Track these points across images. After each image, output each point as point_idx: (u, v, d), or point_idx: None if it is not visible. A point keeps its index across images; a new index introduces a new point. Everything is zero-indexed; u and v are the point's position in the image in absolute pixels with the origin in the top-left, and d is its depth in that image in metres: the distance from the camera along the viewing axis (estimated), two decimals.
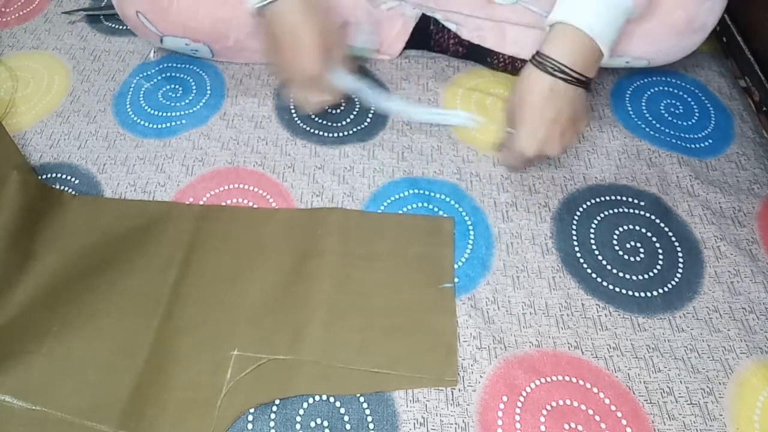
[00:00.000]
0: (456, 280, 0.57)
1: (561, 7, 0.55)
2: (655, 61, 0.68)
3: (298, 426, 0.49)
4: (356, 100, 0.73)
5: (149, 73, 0.76)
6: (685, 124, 0.71)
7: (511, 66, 0.74)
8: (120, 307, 0.55)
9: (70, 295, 0.55)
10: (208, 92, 0.74)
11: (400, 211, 0.62)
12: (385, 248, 0.59)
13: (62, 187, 0.64)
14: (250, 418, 0.49)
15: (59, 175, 0.65)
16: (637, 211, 0.63)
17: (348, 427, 0.49)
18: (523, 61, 0.71)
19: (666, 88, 0.75)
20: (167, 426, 0.49)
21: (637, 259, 0.59)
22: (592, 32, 0.53)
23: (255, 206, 0.63)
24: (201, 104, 0.72)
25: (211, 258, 0.58)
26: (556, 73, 0.54)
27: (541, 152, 0.57)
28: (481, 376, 0.52)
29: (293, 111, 0.72)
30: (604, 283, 0.58)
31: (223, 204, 0.63)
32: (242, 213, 0.62)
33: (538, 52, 0.56)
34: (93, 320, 0.54)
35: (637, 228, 0.61)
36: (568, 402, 0.50)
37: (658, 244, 0.60)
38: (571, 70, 0.54)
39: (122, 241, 0.59)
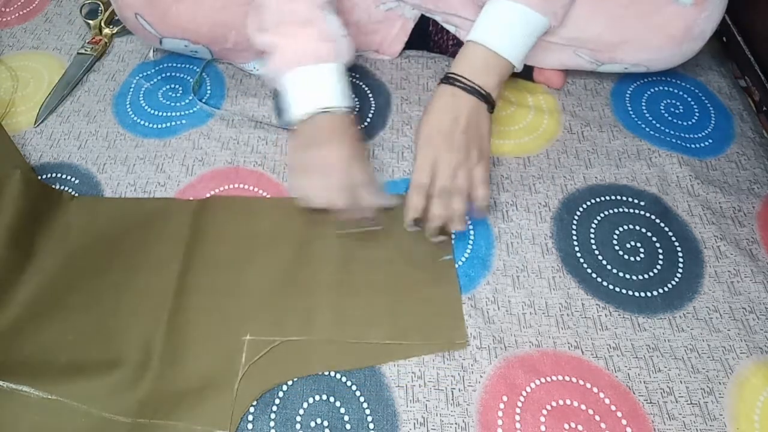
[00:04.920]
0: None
1: (481, 29, 0.58)
2: (653, 68, 0.69)
3: (298, 426, 0.49)
4: (356, 99, 0.73)
5: (149, 73, 0.76)
6: (685, 124, 0.71)
7: None
8: (129, 304, 0.55)
9: (77, 295, 0.55)
10: (208, 92, 0.74)
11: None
12: (382, 227, 0.60)
13: (62, 187, 0.64)
14: (250, 418, 0.49)
15: (59, 175, 0.65)
16: (637, 211, 0.63)
17: (348, 427, 0.49)
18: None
19: (666, 88, 0.75)
20: (185, 413, 0.49)
21: (637, 259, 0.59)
22: (508, 54, 0.57)
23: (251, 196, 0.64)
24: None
25: (214, 248, 0.59)
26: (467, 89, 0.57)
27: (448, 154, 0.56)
28: (481, 376, 0.52)
29: None
30: (604, 283, 0.58)
31: (217, 192, 0.63)
32: (240, 203, 0.62)
33: (454, 74, 0.57)
34: (103, 318, 0.54)
35: (637, 228, 0.61)
36: (568, 402, 0.50)
37: (658, 244, 0.60)
38: (480, 88, 0.57)
39: (124, 239, 0.59)
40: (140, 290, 0.56)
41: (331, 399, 0.50)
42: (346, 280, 0.56)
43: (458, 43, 0.74)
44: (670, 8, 0.61)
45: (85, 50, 0.78)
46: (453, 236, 0.60)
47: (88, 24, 0.82)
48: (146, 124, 0.71)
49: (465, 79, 0.56)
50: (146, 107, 0.72)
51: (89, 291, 0.56)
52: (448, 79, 0.57)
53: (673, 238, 0.61)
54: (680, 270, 0.58)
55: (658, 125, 0.71)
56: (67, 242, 0.59)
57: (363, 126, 0.70)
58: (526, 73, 0.74)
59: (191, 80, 0.75)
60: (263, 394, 0.50)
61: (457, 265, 0.58)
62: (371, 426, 0.49)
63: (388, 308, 0.55)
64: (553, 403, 0.50)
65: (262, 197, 0.63)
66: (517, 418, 0.49)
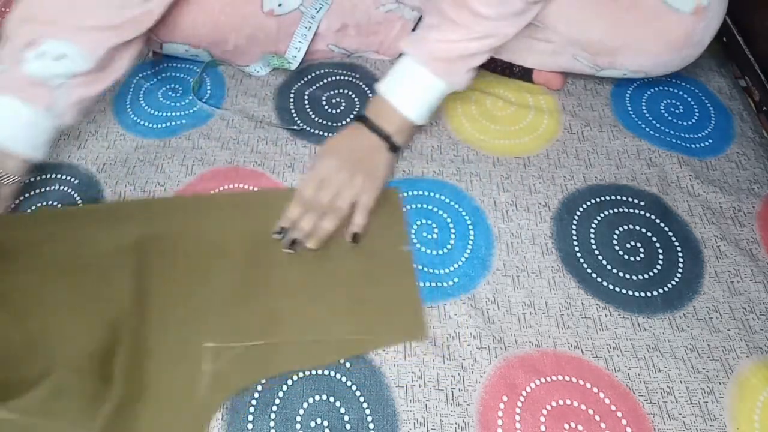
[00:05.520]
0: (456, 279, 0.57)
1: (387, 80, 0.62)
2: (652, 74, 0.69)
3: (298, 426, 0.49)
4: (356, 99, 0.73)
5: (149, 73, 0.76)
6: (685, 124, 0.71)
7: (509, 70, 0.74)
8: (84, 321, 0.53)
9: (28, 314, 0.53)
10: (208, 92, 0.74)
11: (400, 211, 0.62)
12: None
13: (62, 187, 0.64)
14: (250, 418, 0.49)
15: (59, 176, 0.65)
16: (637, 211, 0.63)
17: (348, 427, 0.49)
18: (519, 66, 0.72)
19: (666, 88, 0.75)
20: (151, 425, 0.48)
21: (637, 259, 0.59)
22: (406, 111, 0.61)
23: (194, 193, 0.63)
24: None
25: (165, 258, 0.57)
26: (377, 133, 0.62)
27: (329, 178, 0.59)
28: (481, 376, 0.52)
29: (293, 111, 0.72)
30: (604, 283, 0.58)
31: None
32: (187, 203, 0.62)
33: (365, 117, 0.63)
34: (58, 337, 0.52)
35: (637, 228, 0.61)
36: (568, 402, 0.50)
37: (658, 244, 0.60)
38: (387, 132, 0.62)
39: (72, 254, 0.57)
40: (95, 305, 0.54)
41: (331, 399, 0.50)
42: (305, 280, 0.56)
43: None
44: (670, 16, 0.61)
45: None
46: (410, 247, 0.60)
47: None
48: (146, 124, 0.71)
49: (370, 120, 0.62)
50: (146, 107, 0.72)
51: (42, 311, 0.53)
52: (358, 117, 0.63)
53: (673, 238, 0.61)
54: (680, 270, 0.58)
55: (658, 125, 0.71)
56: (21, 259, 0.56)
57: None
58: (526, 74, 0.74)
59: (191, 80, 0.75)
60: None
61: (457, 265, 0.58)
62: (371, 426, 0.49)
63: (348, 304, 0.55)
64: (553, 403, 0.50)
65: (206, 195, 0.62)
66: (517, 418, 0.49)
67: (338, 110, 0.72)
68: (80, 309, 0.54)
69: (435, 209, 0.63)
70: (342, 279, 0.57)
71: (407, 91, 0.61)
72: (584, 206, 0.63)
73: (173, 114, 0.72)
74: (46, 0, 0.57)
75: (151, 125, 0.70)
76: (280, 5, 0.68)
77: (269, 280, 0.56)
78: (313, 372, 0.52)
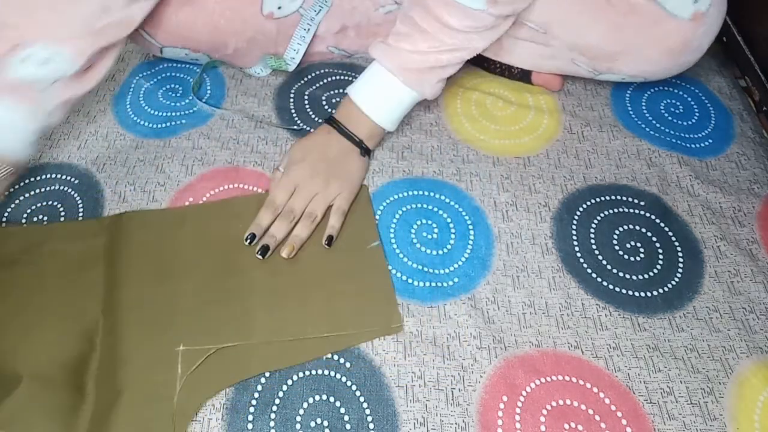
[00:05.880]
0: (456, 279, 0.57)
1: (359, 86, 0.62)
2: (651, 78, 0.69)
3: (298, 426, 0.49)
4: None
5: (149, 73, 0.76)
6: (685, 124, 0.71)
7: (507, 72, 0.74)
8: (55, 332, 0.53)
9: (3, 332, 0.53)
10: (208, 92, 0.74)
11: (399, 212, 0.62)
12: None
13: (62, 187, 0.64)
14: (250, 418, 0.49)
15: (59, 176, 0.65)
16: (637, 211, 0.63)
17: (348, 427, 0.49)
18: (518, 68, 0.72)
19: (666, 88, 0.75)
20: (127, 431, 0.48)
21: (637, 259, 0.59)
22: (377, 119, 0.62)
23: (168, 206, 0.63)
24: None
25: (135, 265, 0.57)
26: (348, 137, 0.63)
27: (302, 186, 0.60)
28: (481, 376, 0.52)
29: (293, 111, 0.72)
30: (604, 283, 0.58)
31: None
32: (154, 215, 0.61)
33: (334, 118, 0.64)
34: (29, 349, 0.52)
35: (637, 228, 0.61)
36: (568, 402, 0.50)
37: (658, 244, 0.60)
38: (356, 136, 0.63)
39: (38, 269, 0.57)
40: (66, 317, 0.54)
41: (331, 399, 0.50)
42: (277, 281, 0.56)
43: None
44: (669, 22, 0.61)
45: None
46: (380, 242, 0.60)
47: None
48: (146, 124, 0.71)
49: (340, 124, 0.63)
50: (146, 107, 0.72)
51: (12, 322, 0.53)
52: (328, 120, 0.64)
53: (673, 238, 0.61)
54: (680, 270, 0.58)
55: (658, 125, 0.71)
56: None
57: None
58: (525, 76, 0.74)
59: (191, 80, 0.75)
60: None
61: (457, 265, 0.58)
62: (371, 426, 0.49)
63: (322, 302, 0.55)
64: (553, 403, 0.50)
65: (177, 208, 0.62)
66: (517, 418, 0.49)
67: None
68: (51, 320, 0.53)
69: (435, 209, 0.63)
70: (315, 277, 0.57)
71: (379, 99, 0.62)
72: (584, 206, 0.63)
73: (173, 114, 0.72)
74: (22, 6, 0.55)
75: (151, 125, 0.70)
76: (279, 8, 0.68)
77: (242, 282, 0.56)
78: (313, 372, 0.52)
